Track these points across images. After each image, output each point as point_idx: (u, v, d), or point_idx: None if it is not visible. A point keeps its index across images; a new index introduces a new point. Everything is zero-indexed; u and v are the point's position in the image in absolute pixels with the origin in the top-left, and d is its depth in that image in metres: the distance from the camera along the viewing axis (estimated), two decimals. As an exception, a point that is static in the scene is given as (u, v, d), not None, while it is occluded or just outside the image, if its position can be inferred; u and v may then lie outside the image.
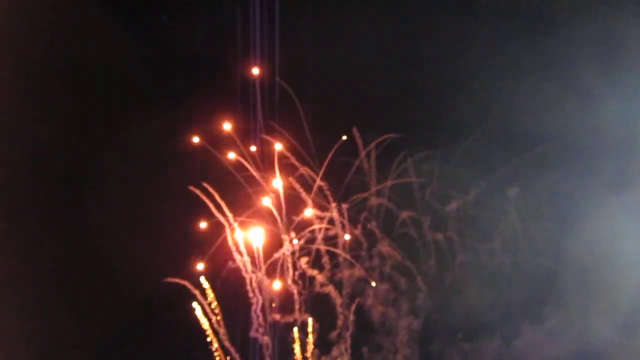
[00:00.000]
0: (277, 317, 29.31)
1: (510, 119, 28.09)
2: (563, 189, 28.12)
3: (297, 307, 29.21)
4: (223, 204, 28.77)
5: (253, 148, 29.68)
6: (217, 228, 29.10)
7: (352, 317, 29.16)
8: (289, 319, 29.30)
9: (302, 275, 29.25)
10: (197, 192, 28.87)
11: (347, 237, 29.33)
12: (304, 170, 29.05)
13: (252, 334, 29.27)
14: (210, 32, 29.64)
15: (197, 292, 28.87)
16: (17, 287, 27.94)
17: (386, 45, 29.15)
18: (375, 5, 29.58)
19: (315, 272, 29.21)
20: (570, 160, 28.05)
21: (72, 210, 29.12)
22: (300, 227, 29.17)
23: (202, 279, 28.97)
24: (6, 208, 28.00)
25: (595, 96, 27.12)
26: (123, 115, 28.85)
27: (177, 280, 28.83)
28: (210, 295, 28.90)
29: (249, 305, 29.12)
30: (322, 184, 29.20)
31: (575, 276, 27.93)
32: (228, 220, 28.80)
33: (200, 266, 29.19)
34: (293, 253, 29.09)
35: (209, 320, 28.92)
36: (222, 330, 29.07)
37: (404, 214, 29.68)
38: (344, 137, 29.18)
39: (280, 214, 29.04)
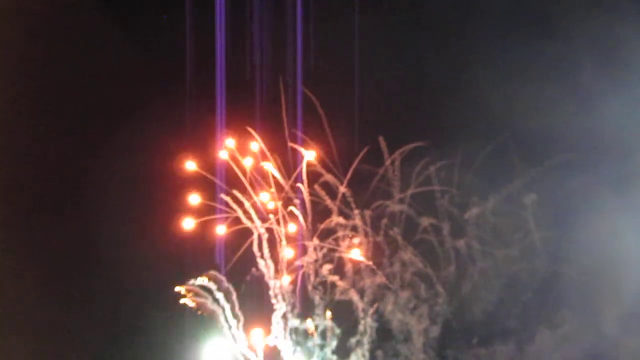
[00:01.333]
0: (298, 323, 29.54)
1: (530, 128, 28.39)
2: (581, 197, 28.40)
3: (318, 313, 29.47)
4: (251, 211, 29.08)
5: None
6: (242, 234, 29.36)
7: (371, 323, 29.42)
8: (310, 325, 29.55)
9: (324, 281, 29.51)
10: (225, 198, 29.14)
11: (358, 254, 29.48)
12: (329, 177, 29.31)
13: (273, 339, 29.46)
14: (235, 39, 29.95)
15: (220, 297, 29.10)
16: (17, 287, 28.00)
17: (410, 55, 29.52)
18: (398, 15, 29.92)
19: (336, 279, 29.44)
20: (589, 168, 28.34)
21: (89, 210, 29.26)
22: (325, 234, 29.51)
23: (226, 284, 29.16)
24: (6, 208, 28.06)
25: (615, 105, 27.52)
26: (148, 123, 28.97)
27: (199, 284, 29.06)
28: (233, 300, 29.13)
29: (271, 311, 29.36)
30: (345, 190, 29.47)
31: (592, 283, 28.24)
32: (255, 227, 29.15)
33: (224, 270, 29.39)
34: (316, 260, 29.35)
35: (230, 325, 29.12)
36: (242, 336, 29.27)
37: (425, 221, 29.94)
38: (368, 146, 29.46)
39: (305, 220, 29.34)
